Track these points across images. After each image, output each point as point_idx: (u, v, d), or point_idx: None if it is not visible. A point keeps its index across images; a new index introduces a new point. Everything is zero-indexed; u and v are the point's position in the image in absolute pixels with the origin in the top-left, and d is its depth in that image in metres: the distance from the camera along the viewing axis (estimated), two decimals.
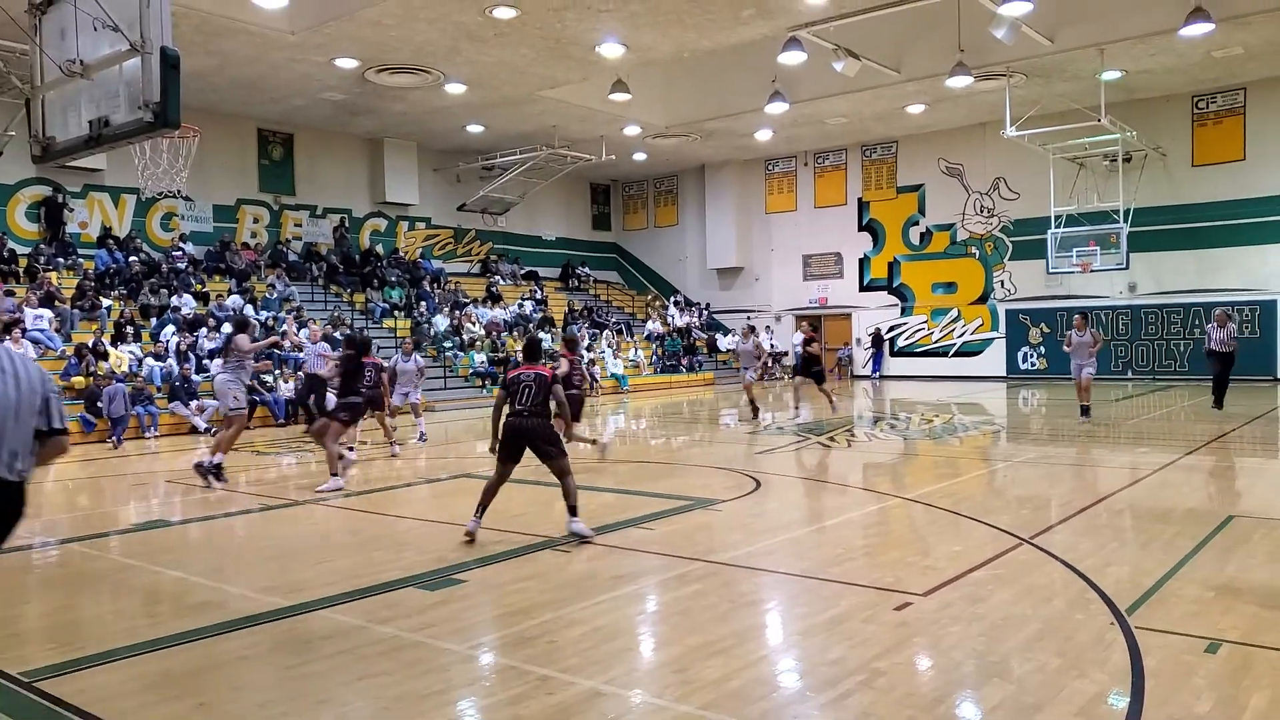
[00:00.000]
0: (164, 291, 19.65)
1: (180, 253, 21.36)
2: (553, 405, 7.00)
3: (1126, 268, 22.65)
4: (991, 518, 7.54)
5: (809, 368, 16.11)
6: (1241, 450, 11.59)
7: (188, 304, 19.41)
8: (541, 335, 24.69)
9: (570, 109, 22.48)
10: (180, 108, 4.92)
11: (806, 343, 16.11)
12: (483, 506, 6.92)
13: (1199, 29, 16.33)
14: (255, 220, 23.93)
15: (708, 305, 31.52)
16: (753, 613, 5.28)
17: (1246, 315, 22.42)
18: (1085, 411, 14.75)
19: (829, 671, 4.22)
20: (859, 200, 28.78)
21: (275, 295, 21.36)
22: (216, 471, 9.70)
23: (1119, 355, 24.49)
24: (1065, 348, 15.67)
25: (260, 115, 22.85)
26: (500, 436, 6.89)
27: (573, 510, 6.89)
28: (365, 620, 5.08)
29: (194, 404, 16.07)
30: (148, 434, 15.20)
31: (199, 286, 20.50)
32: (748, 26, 16.93)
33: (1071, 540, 6.73)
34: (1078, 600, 5.23)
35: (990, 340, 26.48)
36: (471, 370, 22.49)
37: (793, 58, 17.01)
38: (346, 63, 18.51)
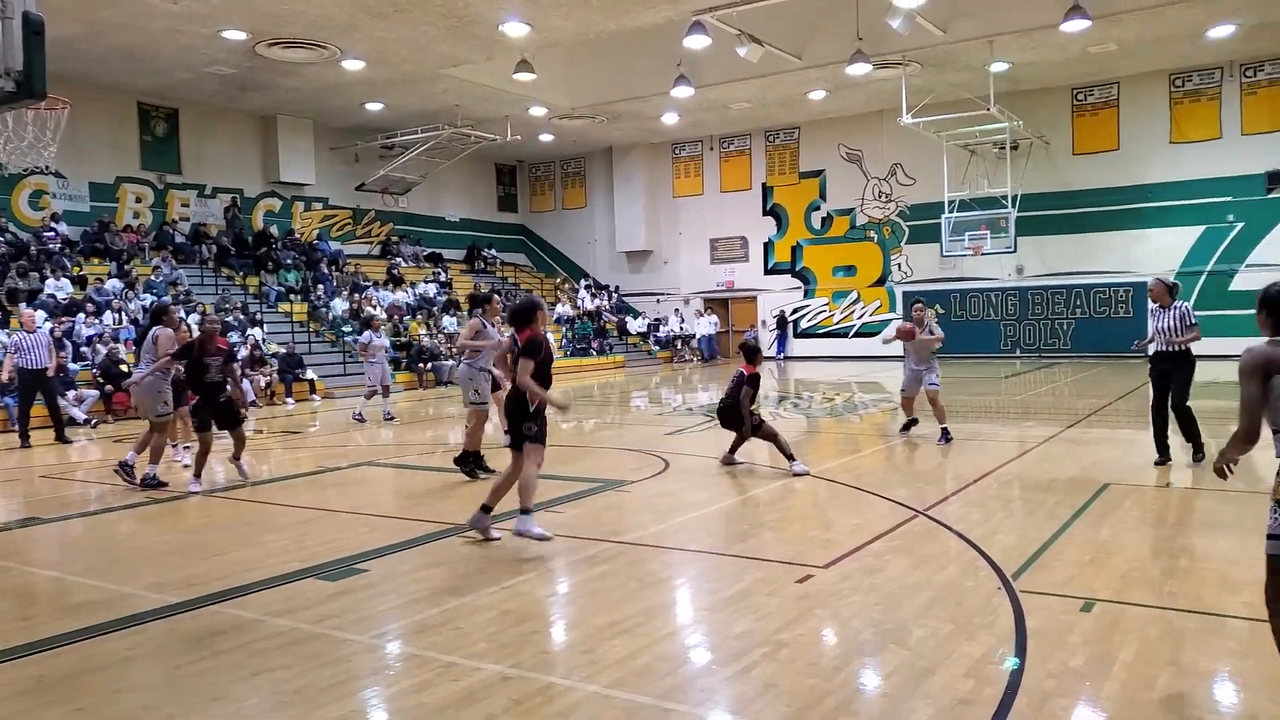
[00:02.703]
0: (34, 275, 18.49)
1: (53, 233, 20.14)
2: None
3: (1014, 251, 23.62)
4: (889, 491, 7.79)
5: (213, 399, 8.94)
6: (1117, 423, 12.27)
7: (64, 288, 18.35)
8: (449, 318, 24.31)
9: (474, 88, 22.08)
10: (46, 77, 4.59)
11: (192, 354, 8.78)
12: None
13: (1077, 25, 17.09)
14: (138, 200, 22.74)
15: (617, 288, 31.54)
16: (660, 591, 5.32)
17: (1121, 296, 23.70)
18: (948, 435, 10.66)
19: (734, 645, 4.29)
20: (763, 185, 29.19)
21: (161, 279, 20.40)
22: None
23: (1008, 335, 25.57)
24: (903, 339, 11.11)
25: (141, 88, 21.68)
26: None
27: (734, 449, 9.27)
28: (261, 614, 4.92)
29: (72, 394, 15.22)
30: (15, 427, 14.29)
31: (75, 269, 19.39)
32: (652, 10, 16.91)
33: (963, 511, 7.01)
34: (968, 568, 5.45)
35: (888, 321, 27.24)
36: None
37: (697, 42, 17.07)
38: (234, 35, 17.70)
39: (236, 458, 9.28)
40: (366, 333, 15.33)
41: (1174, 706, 3.55)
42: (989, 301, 25.77)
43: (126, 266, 20.27)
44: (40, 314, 15.70)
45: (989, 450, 10.11)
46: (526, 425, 6.11)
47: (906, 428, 11.16)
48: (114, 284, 19.28)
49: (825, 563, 5.59)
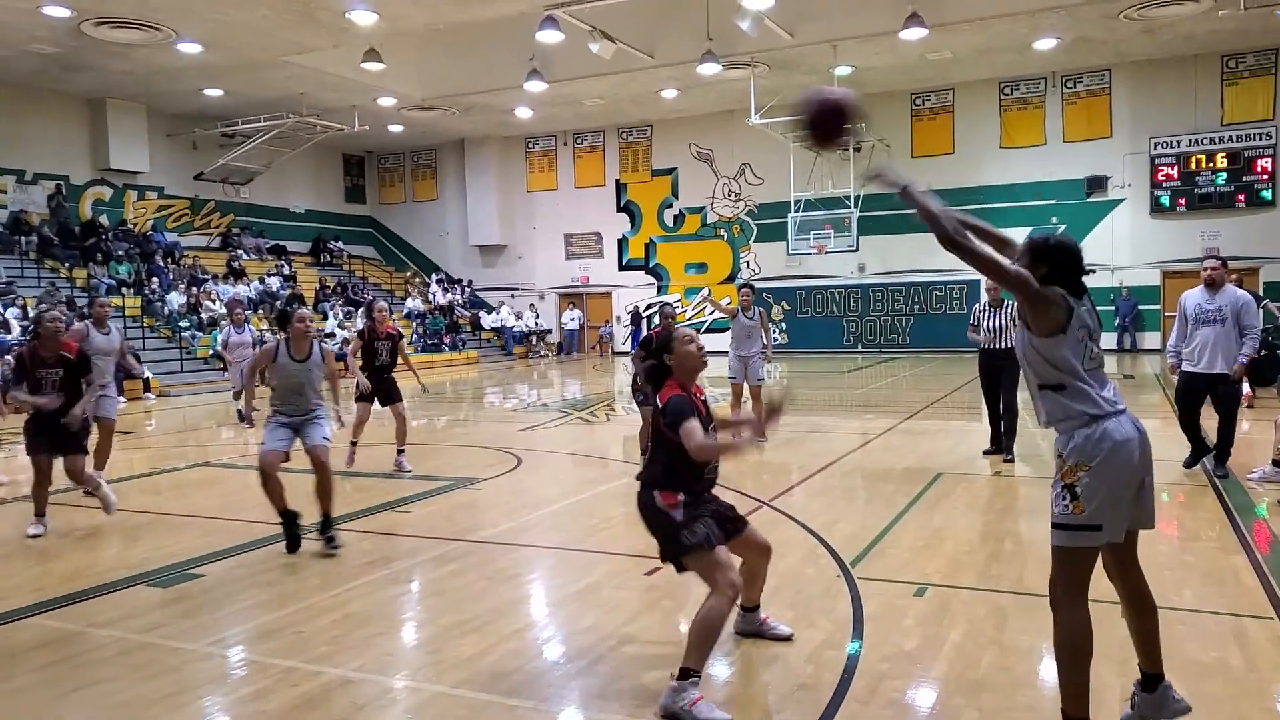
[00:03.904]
0: None
1: None
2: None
3: (857, 249, 24.75)
4: (736, 483, 8.00)
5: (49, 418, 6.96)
6: (950, 415, 13.07)
7: None
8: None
9: (320, 76, 21.26)
10: None
11: None
12: None
13: (915, 33, 18.11)
14: None
15: (470, 283, 31.08)
16: (509, 588, 5.32)
17: (956, 293, 25.24)
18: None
19: (581, 640, 4.34)
20: (617, 182, 29.43)
21: None
22: None
23: (851, 330, 26.77)
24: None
25: None
26: None
27: None
28: (84, 625, 4.63)
29: None
30: None
31: None
32: (504, 2, 16.75)
33: (805, 501, 7.32)
34: (810, 556, 5.69)
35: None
36: (212, 351, 20.82)
37: (550, 36, 17.04)
38: (57, 11, 16.35)
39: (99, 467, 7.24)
40: (227, 328, 14.26)
41: (998, 682, 3.79)
42: (833, 299, 26.91)
43: None
44: None
45: (832, 442, 10.58)
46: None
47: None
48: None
49: None
